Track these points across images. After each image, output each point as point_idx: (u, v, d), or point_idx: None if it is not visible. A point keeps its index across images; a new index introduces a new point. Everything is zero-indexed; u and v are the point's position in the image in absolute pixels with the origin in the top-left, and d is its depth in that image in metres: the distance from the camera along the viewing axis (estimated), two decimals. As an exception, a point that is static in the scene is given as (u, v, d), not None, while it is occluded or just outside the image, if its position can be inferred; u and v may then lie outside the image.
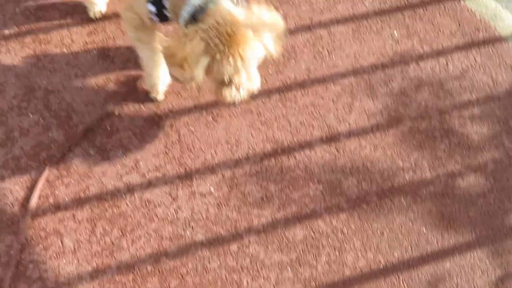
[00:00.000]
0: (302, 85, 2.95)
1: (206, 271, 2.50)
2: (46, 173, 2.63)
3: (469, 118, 2.91)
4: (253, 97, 2.83)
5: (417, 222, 2.66)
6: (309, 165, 2.76)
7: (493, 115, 2.93)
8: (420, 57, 3.08)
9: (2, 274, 2.43)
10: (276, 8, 3.14)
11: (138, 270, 2.49)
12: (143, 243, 2.54)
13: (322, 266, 2.54)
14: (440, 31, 3.17)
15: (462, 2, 3.28)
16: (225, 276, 2.49)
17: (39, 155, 2.69)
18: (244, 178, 2.71)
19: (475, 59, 3.09)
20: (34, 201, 2.56)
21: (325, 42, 3.09)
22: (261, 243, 2.57)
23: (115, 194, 2.63)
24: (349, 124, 2.87)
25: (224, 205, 2.64)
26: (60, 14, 3.05)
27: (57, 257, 2.49)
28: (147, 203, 2.62)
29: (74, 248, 2.51)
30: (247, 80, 2.28)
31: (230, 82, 2.25)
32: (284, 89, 2.94)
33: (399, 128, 2.87)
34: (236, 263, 2.53)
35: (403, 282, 2.52)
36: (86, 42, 2.98)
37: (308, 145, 2.81)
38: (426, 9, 3.24)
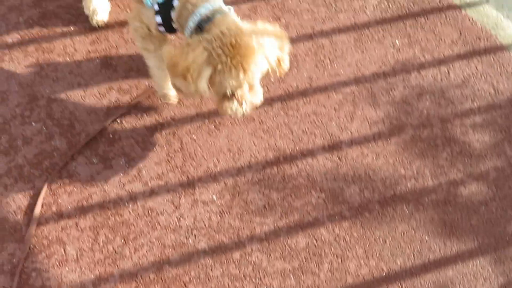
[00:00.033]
0: (304, 93, 2.96)
1: (208, 279, 2.50)
2: (49, 181, 2.63)
3: (471, 126, 2.92)
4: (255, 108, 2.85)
5: (420, 230, 2.66)
6: (311, 173, 2.76)
7: (495, 123, 2.94)
8: (422, 66, 3.09)
9: (5, 282, 2.43)
10: (278, 17, 3.16)
11: (140, 278, 2.49)
12: (146, 251, 2.54)
13: (324, 274, 2.54)
14: (441, 40, 3.18)
15: (463, 11, 3.29)
16: (228, 284, 2.49)
17: (42, 164, 2.69)
18: (246, 186, 2.71)
19: (476, 67, 3.10)
20: (37, 210, 2.57)
21: (327, 51, 3.10)
22: (264, 251, 2.57)
23: (117, 202, 2.64)
24: (351, 132, 2.87)
25: (227, 213, 2.65)
26: (63, 23, 3.06)
27: (59, 265, 2.49)
28: (149, 211, 2.62)
29: (77, 256, 2.51)
30: (250, 94, 2.26)
31: (233, 95, 2.23)
32: (286, 97, 2.94)
33: (401, 137, 2.88)
34: (239, 271, 2.53)
35: (405, 290, 2.53)
36: (89, 51, 2.99)
37: (310, 153, 2.81)
38: (427, 18, 3.25)
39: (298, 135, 2.85)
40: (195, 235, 2.59)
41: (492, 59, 3.14)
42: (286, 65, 2.34)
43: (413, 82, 3.03)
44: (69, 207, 2.61)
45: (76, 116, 2.81)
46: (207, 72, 2.15)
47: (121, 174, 2.70)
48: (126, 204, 2.63)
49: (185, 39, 2.30)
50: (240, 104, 2.25)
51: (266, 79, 2.94)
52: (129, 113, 2.83)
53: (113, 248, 2.54)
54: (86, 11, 3.00)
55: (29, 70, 2.91)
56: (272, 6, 3.20)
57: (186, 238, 2.58)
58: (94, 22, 3.02)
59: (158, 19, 2.35)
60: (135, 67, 2.94)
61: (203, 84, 2.16)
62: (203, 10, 2.23)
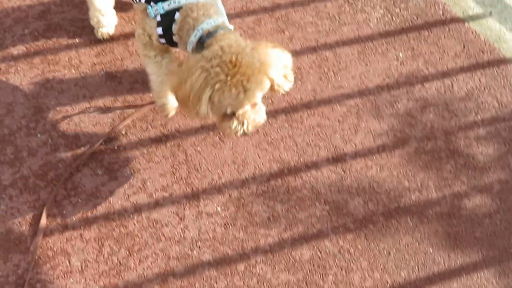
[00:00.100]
0: (308, 106, 2.97)
1: (213, 291, 2.51)
2: (54, 193, 2.64)
3: (474, 139, 2.93)
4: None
5: (424, 242, 2.66)
6: (315, 186, 2.77)
7: (499, 136, 2.95)
8: (425, 78, 3.10)
9: (9, 293, 2.44)
10: (282, 30, 3.18)
11: (145, 290, 2.49)
12: (150, 262, 2.54)
13: (329, 286, 2.54)
14: (445, 52, 3.19)
15: (466, 24, 3.31)
16: (232, 296, 2.50)
17: (47, 175, 2.70)
18: (251, 198, 2.72)
19: (480, 80, 3.11)
20: (42, 221, 2.57)
21: (331, 64, 3.11)
22: (268, 263, 2.58)
23: (122, 214, 2.64)
24: (355, 144, 2.88)
25: (231, 225, 2.65)
26: (68, 35, 3.08)
27: (64, 276, 2.49)
28: (154, 223, 2.63)
29: (82, 268, 2.51)
30: (252, 113, 2.21)
31: (233, 114, 2.18)
32: (290, 109, 2.95)
33: (405, 149, 2.88)
34: (243, 283, 2.53)
35: (410, 303, 2.53)
36: (94, 63, 3.00)
37: (314, 165, 2.82)
38: (430, 31, 3.27)
39: (303, 147, 2.86)
40: (199, 247, 2.59)
41: (495, 72, 3.15)
42: (288, 84, 2.30)
43: (417, 95, 3.04)
44: (74, 218, 2.62)
45: (81, 127, 2.82)
46: (206, 95, 2.10)
47: (126, 186, 2.70)
48: (131, 216, 2.64)
49: (187, 54, 2.30)
50: (241, 123, 2.20)
51: (270, 92, 2.95)
52: (134, 125, 2.84)
53: (117, 259, 2.54)
54: (92, 22, 3.01)
55: (34, 82, 2.93)
56: (276, 18, 3.22)
57: (190, 249, 2.58)
58: (99, 35, 3.04)
59: (159, 30, 2.36)
60: (140, 79, 2.95)
61: (203, 109, 2.12)
62: (205, 26, 2.22)
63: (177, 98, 2.22)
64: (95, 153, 2.76)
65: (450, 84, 3.09)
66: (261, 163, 2.81)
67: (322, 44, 3.17)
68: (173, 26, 2.32)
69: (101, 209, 2.65)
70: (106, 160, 2.75)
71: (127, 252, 2.56)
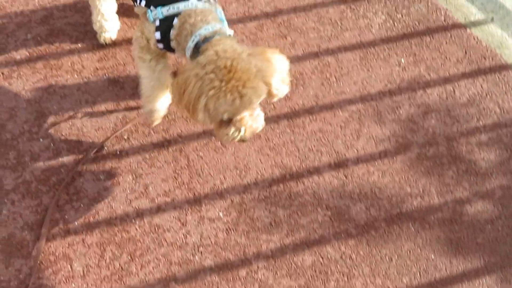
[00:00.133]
0: (310, 111, 2.97)
1: (215, 297, 2.51)
2: (56, 197, 2.64)
3: (476, 144, 2.93)
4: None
5: (426, 248, 2.66)
6: (317, 191, 2.77)
7: (501, 142, 2.95)
8: (427, 84, 3.10)
9: (11, 298, 2.44)
10: (285, 35, 3.18)
11: (147, 295, 2.50)
12: (152, 268, 2.54)
13: (331, 292, 2.55)
14: (446, 58, 3.20)
15: (468, 30, 3.31)
16: (234, 302, 2.50)
17: (49, 180, 2.70)
18: (252, 203, 2.72)
19: (481, 86, 3.12)
20: (44, 226, 2.57)
21: (333, 69, 3.12)
22: (270, 268, 2.58)
23: (124, 219, 2.64)
24: (357, 150, 2.88)
25: (233, 230, 2.65)
26: (71, 40, 3.08)
27: (66, 281, 2.49)
28: (156, 228, 2.63)
29: (84, 273, 2.51)
30: (250, 119, 2.18)
31: (230, 121, 2.17)
32: (292, 115, 2.96)
33: (407, 155, 2.89)
34: (245, 289, 2.53)
35: (412, 309, 2.53)
36: (97, 68, 3.01)
37: (316, 171, 2.82)
38: (432, 37, 3.27)
39: (304, 152, 2.86)
40: (201, 252, 2.59)
41: (497, 78, 3.16)
42: (285, 90, 2.25)
43: (419, 101, 3.05)
44: (76, 223, 2.62)
45: (83, 132, 2.82)
46: (202, 103, 2.08)
47: (128, 191, 2.71)
48: (133, 221, 2.64)
49: (185, 59, 2.28)
50: (239, 130, 2.17)
51: (266, 97, 2.95)
52: (136, 130, 2.84)
53: (119, 264, 2.54)
54: (94, 27, 3.02)
55: (37, 87, 2.93)
56: (278, 24, 3.23)
57: (192, 255, 2.58)
58: (101, 39, 3.04)
59: (158, 35, 2.35)
60: (142, 84, 2.96)
61: (200, 116, 2.11)
62: (203, 31, 2.21)
63: (179, 108, 2.21)
64: (98, 158, 2.76)
65: (452, 90, 3.10)
66: (263, 168, 2.81)
67: (324, 50, 3.18)
68: (171, 31, 2.32)
69: (103, 214, 2.65)
70: (108, 165, 2.76)
71: (129, 257, 2.56)
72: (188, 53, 2.27)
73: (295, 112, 2.97)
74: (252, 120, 2.19)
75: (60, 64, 3.01)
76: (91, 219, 2.63)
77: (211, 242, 2.62)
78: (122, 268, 2.54)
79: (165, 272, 2.54)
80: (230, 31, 2.31)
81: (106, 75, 2.99)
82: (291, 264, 2.59)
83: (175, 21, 2.29)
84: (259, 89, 2.11)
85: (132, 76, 2.99)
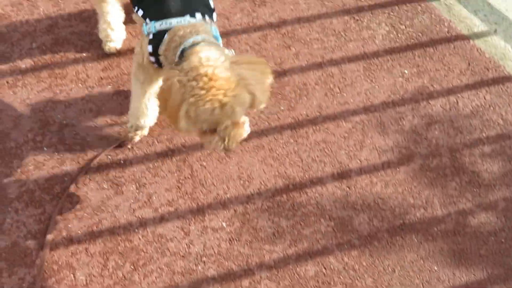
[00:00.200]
0: (313, 122, 2.98)
1: (217, 307, 2.51)
2: (59, 206, 2.64)
3: (479, 156, 2.93)
4: (265, 133, 2.88)
5: (429, 259, 2.66)
6: (320, 202, 2.77)
7: (504, 153, 2.95)
8: (431, 95, 3.11)
9: (14, 307, 2.44)
10: (288, 46, 3.19)
11: (149, 305, 2.49)
12: (155, 277, 2.54)
13: (333, 303, 2.55)
14: (450, 70, 3.20)
15: (471, 42, 3.32)
16: (237, 312, 2.50)
17: (53, 189, 2.71)
18: (256, 213, 2.72)
19: (485, 97, 3.12)
20: (48, 235, 2.57)
21: (337, 80, 3.12)
22: (273, 279, 2.58)
23: (127, 228, 2.64)
24: (360, 161, 2.89)
25: (236, 240, 2.65)
26: (76, 49, 3.10)
27: (69, 290, 2.50)
28: (159, 238, 2.63)
29: (87, 282, 2.51)
30: (234, 128, 2.10)
31: (214, 129, 2.10)
32: (296, 125, 2.96)
33: (410, 166, 2.89)
34: (248, 299, 2.53)
35: (415, 320, 2.53)
36: (101, 78, 3.02)
37: (319, 181, 2.82)
38: (436, 48, 3.28)
39: (308, 163, 2.86)
40: (204, 262, 2.59)
41: (500, 89, 3.16)
42: (264, 99, 2.19)
43: (422, 112, 3.05)
44: (79, 232, 2.62)
45: (87, 141, 2.83)
46: (183, 110, 2.05)
47: (132, 200, 2.71)
48: (136, 230, 2.64)
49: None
50: (222, 139, 2.11)
51: (276, 107, 2.97)
52: (140, 140, 2.85)
53: (122, 274, 2.54)
54: (100, 36, 3.03)
55: (41, 96, 2.94)
56: (282, 34, 3.24)
57: (195, 264, 2.58)
58: (106, 48, 3.05)
59: (150, 48, 2.32)
60: (146, 93, 2.96)
61: (183, 124, 2.08)
62: (191, 40, 2.17)
63: (166, 116, 2.20)
64: (101, 167, 2.77)
65: (455, 101, 3.10)
66: (267, 178, 2.81)
67: (328, 60, 3.19)
68: (160, 47, 2.28)
69: (106, 223, 2.65)
70: (112, 174, 2.76)
71: (132, 266, 2.56)
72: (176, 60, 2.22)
73: (298, 122, 2.97)
74: (237, 128, 2.13)
75: (65, 73, 3.02)
76: (95, 228, 2.63)
77: (214, 252, 2.62)
78: (125, 277, 2.54)
79: (168, 281, 2.54)
80: (228, 51, 2.23)
81: (111, 84, 3.00)
82: (294, 274, 2.59)
83: (166, 36, 2.26)
84: (242, 97, 2.07)
85: (136, 86, 3.00)
